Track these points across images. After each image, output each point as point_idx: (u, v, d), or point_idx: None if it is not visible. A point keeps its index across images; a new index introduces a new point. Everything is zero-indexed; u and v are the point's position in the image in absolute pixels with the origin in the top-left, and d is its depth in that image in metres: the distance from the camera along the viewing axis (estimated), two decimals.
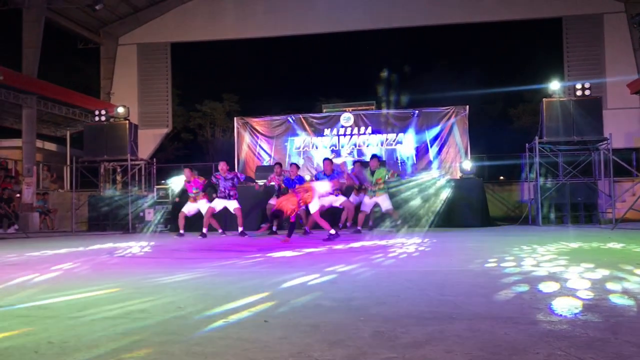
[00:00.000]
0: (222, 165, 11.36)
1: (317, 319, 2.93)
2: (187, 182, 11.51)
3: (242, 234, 10.99)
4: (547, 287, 3.82)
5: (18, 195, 17.12)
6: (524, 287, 3.81)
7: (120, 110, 15.57)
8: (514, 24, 22.14)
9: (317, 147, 16.95)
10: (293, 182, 11.17)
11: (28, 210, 16.92)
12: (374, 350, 2.30)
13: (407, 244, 8.10)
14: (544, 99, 13.57)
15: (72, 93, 19.54)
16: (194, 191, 11.45)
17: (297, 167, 11.84)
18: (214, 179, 11.41)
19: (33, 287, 4.35)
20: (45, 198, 18.02)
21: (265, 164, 16.77)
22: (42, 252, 8.08)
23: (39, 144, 20.46)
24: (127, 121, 15.43)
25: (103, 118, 15.52)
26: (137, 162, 16.13)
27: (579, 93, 13.43)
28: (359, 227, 11.10)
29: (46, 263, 6.42)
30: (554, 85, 13.74)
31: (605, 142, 13.32)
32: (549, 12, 19.70)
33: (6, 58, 17.03)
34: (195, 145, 30.74)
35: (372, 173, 11.03)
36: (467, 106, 16.51)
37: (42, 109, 18.33)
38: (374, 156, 11.55)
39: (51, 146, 23.47)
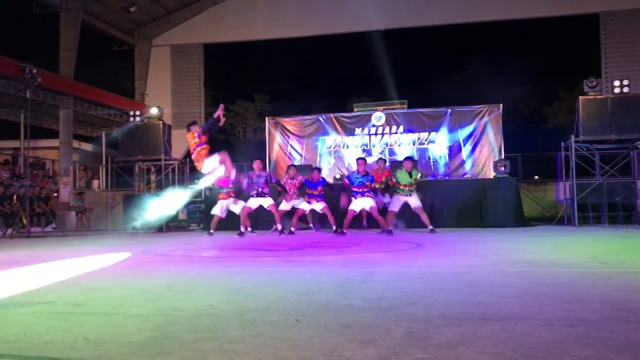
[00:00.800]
0: (257, 164, 11.39)
1: (348, 318, 2.92)
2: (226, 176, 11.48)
3: (281, 232, 11.06)
4: (583, 288, 3.74)
5: (55, 194, 17.52)
6: (559, 289, 3.73)
7: (154, 111, 15.78)
8: (549, 21, 21.71)
9: (348, 147, 16.91)
10: (315, 184, 11.60)
11: (65, 209, 17.30)
12: (406, 350, 2.28)
13: (438, 244, 8.03)
14: (580, 97, 13.29)
15: (108, 94, 19.92)
16: (230, 186, 11.47)
17: (319, 170, 12.16)
18: (246, 180, 11.40)
19: (69, 284, 4.44)
20: (82, 197, 18.39)
21: (296, 163, 16.80)
22: (78, 250, 8.25)
23: (76, 144, 20.91)
24: (160, 122, 15.64)
25: (137, 119, 15.76)
26: (170, 162, 16.35)
27: (617, 90, 13.11)
28: (389, 228, 10.99)
29: (82, 260, 6.56)
30: (591, 83, 13.44)
31: None
32: (586, 8, 19.28)
33: (44, 60, 17.44)
34: (227, 145, 30.99)
35: (410, 174, 10.99)
36: (501, 104, 16.26)
37: (78, 110, 18.73)
38: (408, 158, 11.55)
39: (87, 146, 23.96)
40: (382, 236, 10.06)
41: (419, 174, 11.42)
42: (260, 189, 11.19)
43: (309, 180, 11.69)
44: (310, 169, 13.14)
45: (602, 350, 2.24)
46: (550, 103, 29.24)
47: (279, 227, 11.12)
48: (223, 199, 11.56)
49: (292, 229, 11.35)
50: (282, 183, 11.85)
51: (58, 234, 13.53)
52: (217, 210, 11.54)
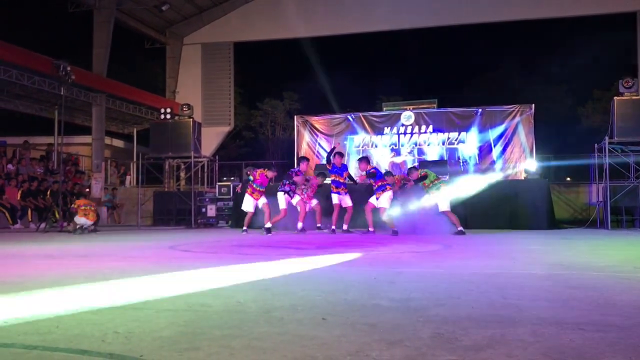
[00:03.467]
0: (304, 165, 11.67)
1: (375, 318, 2.91)
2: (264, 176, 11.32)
3: (302, 230, 11.10)
4: (616, 293, 3.66)
5: (87, 189, 17.84)
6: (592, 292, 3.66)
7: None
8: (584, 19, 21.32)
9: (376, 146, 16.85)
10: (340, 170, 11.43)
11: (96, 204, 17.59)
12: (433, 351, 2.27)
13: (467, 246, 7.95)
14: (615, 97, 13.01)
15: (139, 91, 20.20)
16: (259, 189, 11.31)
17: (342, 155, 11.99)
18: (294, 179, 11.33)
19: (101, 278, 4.51)
20: (114, 193, 18.68)
21: (324, 162, 16.81)
22: (109, 246, 8.39)
23: (108, 140, 21.27)
24: (191, 119, 15.78)
25: (168, 116, 15.91)
26: (200, 159, 16.50)
27: None
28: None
29: (113, 255, 6.66)
30: (627, 83, 13.12)
31: None
32: (623, 7, 18.86)
33: (78, 58, 17.75)
34: (256, 143, 31.16)
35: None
36: (533, 105, 16.03)
37: (110, 107, 19.03)
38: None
39: (119, 143, 24.37)
40: (410, 237, 9.99)
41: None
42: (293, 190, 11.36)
43: (335, 166, 11.48)
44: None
45: (635, 357, 2.19)
46: (584, 103, 28.72)
47: (300, 225, 11.17)
48: (255, 198, 11.28)
49: (334, 227, 11.15)
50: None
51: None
52: (248, 208, 11.38)
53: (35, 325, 2.79)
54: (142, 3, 19.37)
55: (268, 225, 10.95)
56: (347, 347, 2.33)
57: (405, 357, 2.20)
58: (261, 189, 11.31)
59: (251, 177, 11.38)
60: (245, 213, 11.45)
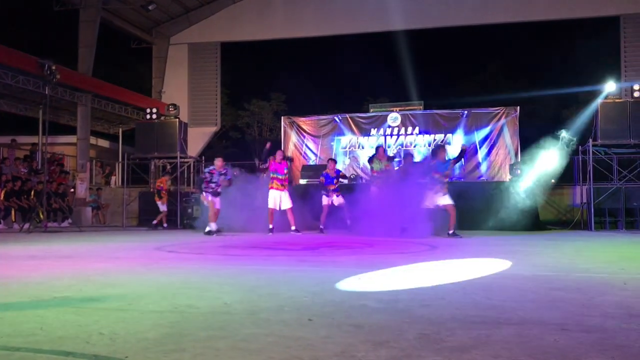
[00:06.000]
0: (218, 161, 11.03)
1: (361, 319, 2.92)
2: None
3: (209, 232, 10.70)
4: (600, 294, 3.70)
5: (72, 190, 17.69)
6: (575, 294, 3.70)
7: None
8: (568, 23, 21.52)
9: (363, 147, 16.89)
10: (332, 179, 11.54)
11: (81, 204, 17.46)
12: (419, 352, 2.28)
13: (453, 247, 7.99)
14: (599, 100, 13.14)
15: (125, 91, 20.06)
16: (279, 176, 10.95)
17: (334, 161, 12.10)
18: (207, 175, 10.95)
19: (85, 280, 4.48)
20: (99, 193, 18.54)
21: (311, 163, 16.83)
22: (94, 246, 8.32)
23: (93, 140, 21.09)
24: (177, 119, 15.69)
25: (154, 116, 15.81)
26: (186, 160, 16.42)
27: (636, 94, 12.92)
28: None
29: (98, 256, 6.62)
30: (610, 86, 13.27)
31: None
32: (607, 11, 19.04)
33: (63, 57, 17.59)
34: (243, 144, 31.03)
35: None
36: (518, 107, 16.16)
37: (96, 106, 18.88)
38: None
39: (104, 143, 24.19)
40: (397, 238, 9.98)
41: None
42: (217, 188, 10.89)
43: (327, 175, 11.59)
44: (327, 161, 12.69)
45: (617, 356, 2.22)
46: (569, 106, 28.97)
47: (270, 227, 10.94)
48: (277, 189, 10.90)
49: (321, 227, 11.29)
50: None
51: (74, 229, 13.65)
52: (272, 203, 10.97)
53: (18, 327, 2.76)
54: (129, 2, 19.22)
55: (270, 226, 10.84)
56: (332, 348, 2.34)
57: (391, 357, 2.21)
58: (280, 177, 10.93)
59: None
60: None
